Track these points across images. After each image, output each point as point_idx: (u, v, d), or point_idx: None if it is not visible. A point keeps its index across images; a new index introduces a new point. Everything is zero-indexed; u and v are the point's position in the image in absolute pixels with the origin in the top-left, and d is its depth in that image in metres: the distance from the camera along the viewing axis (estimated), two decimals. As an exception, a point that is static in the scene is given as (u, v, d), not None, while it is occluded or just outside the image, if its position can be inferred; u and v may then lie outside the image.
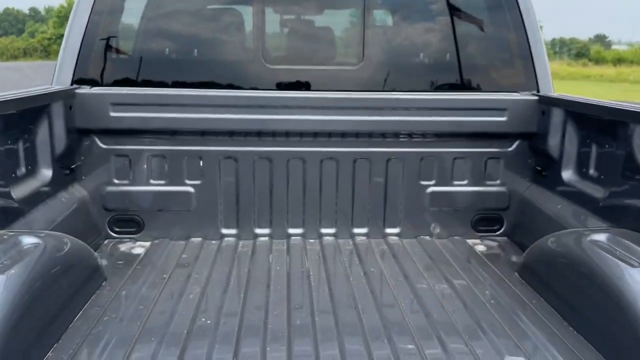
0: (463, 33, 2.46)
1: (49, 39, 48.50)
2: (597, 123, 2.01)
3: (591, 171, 2.03)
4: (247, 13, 2.43)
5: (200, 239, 2.40)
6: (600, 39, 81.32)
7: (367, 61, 2.38)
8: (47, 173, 2.08)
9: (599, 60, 37.19)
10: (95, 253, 2.01)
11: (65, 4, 50.82)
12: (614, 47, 58.75)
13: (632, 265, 1.49)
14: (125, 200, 2.36)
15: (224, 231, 2.40)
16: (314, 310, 1.80)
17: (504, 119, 2.31)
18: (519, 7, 2.37)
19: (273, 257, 2.25)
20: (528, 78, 2.42)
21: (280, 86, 2.37)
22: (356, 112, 2.24)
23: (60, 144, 2.13)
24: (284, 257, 2.25)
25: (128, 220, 2.39)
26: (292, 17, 2.61)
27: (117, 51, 2.43)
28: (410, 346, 1.58)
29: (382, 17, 2.63)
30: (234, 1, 2.54)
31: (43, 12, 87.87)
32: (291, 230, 2.42)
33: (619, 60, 35.55)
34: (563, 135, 2.17)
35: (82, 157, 2.30)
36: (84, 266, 1.85)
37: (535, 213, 2.28)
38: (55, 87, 2.23)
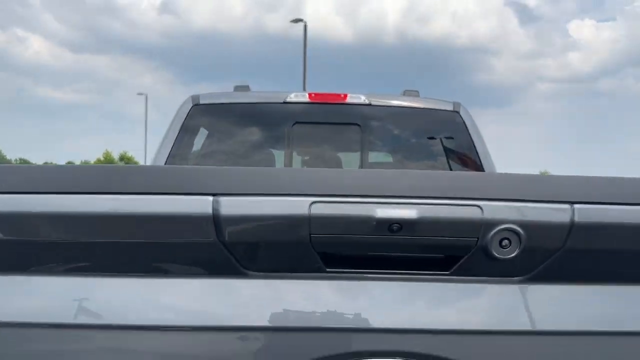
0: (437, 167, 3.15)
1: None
2: None
3: None
4: (280, 155, 3.22)
5: None
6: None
7: None
8: None
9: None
10: None
11: (102, 158, 54.98)
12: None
13: None
14: None
15: None
16: None
17: None
18: (471, 138, 3.02)
19: None
20: None
21: None
22: None
23: None
24: None
25: None
26: (311, 157, 3.38)
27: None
28: None
29: (375, 157, 3.39)
30: (269, 146, 3.33)
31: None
32: None
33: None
34: None
35: None
36: None
37: None
38: None
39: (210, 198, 0.91)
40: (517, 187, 0.97)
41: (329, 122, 2.91)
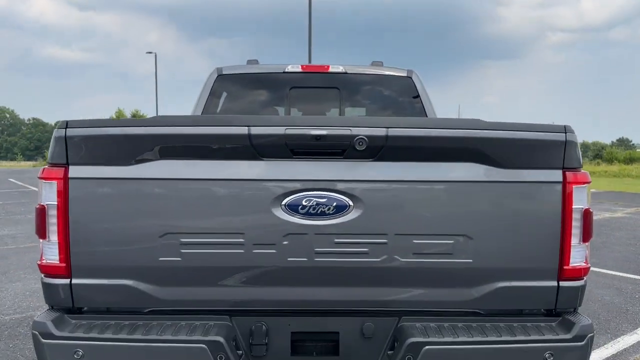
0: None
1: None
2: None
3: None
4: (281, 111, 4.22)
5: None
6: (623, 142, 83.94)
7: None
8: None
9: (611, 160, 38.71)
10: None
11: (114, 116, 55.67)
12: (638, 150, 61.14)
13: None
14: None
15: None
16: None
17: None
18: (420, 97, 3.98)
19: None
20: None
21: None
22: None
23: None
24: None
25: None
26: (304, 113, 4.36)
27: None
28: None
29: (349, 111, 4.36)
30: (274, 104, 4.33)
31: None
32: None
33: (630, 159, 36.95)
34: None
35: None
36: None
37: None
38: None
39: (246, 128, 1.84)
40: (368, 121, 1.94)
41: (316, 87, 3.92)
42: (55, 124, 1.88)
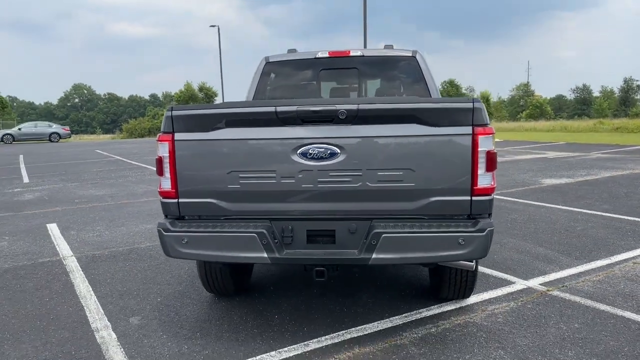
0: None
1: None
2: None
3: None
4: (314, 88, 5.37)
5: None
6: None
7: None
8: None
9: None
10: None
11: (183, 89, 58.25)
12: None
13: None
14: None
15: None
16: None
17: None
18: (423, 75, 5.02)
19: None
20: None
21: None
22: None
23: None
24: None
25: None
26: (332, 89, 5.50)
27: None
28: None
29: (369, 86, 5.47)
30: (308, 82, 5.48)
31: (161, 98, 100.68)
32: None
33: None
34: None
35: None
36: None
37: None
38: None
39: (273, 107, 3.11)
40: (346, 100, 3.14)
41: (340, 67, 5.08)
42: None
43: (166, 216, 3.27)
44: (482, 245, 2.96)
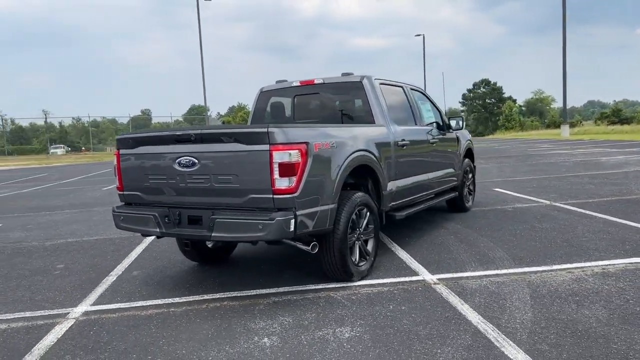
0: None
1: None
2: None
3: None
4: (290, 109, 6.48)
5: None
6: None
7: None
8: None
9: None
10: None
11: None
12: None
13: None
14: None
15: None
16: None
17: None
18: (367, 98, 5.79)
19: None
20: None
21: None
22: None
23: None
24: None
25: None
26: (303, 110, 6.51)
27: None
28: None
29: (327, 108, 6.33)
30: (287, 104, 6.62)
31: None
32: None
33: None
34: None
35: None
36: None
37: None
38: None
39: (159, 132, 4.68)
40: (194, 128, 4.44)
41: (307, 94, 6.27)
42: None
43: (121, 203, 5.08)
44: (275, 230, 4.01)
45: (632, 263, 5.06)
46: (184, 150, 4.43)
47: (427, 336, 3.59)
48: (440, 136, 7.18)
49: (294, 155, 4.04)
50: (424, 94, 7.31)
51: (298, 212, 4.11)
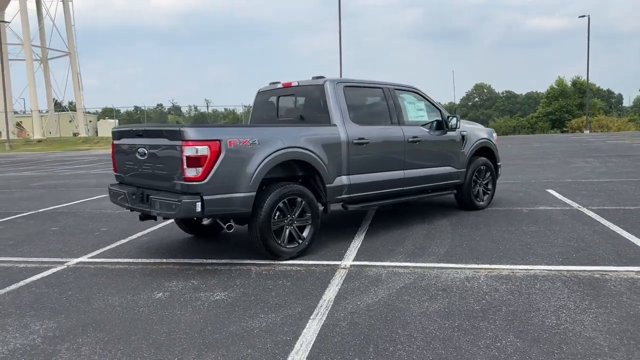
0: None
1: (536, 117, 55.75)
2: None
3: None
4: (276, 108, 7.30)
5: None
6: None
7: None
8: None
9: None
10: None
11: (555, 85, 56.21)
12: None
13: None
14: None
15: None
16: None
17: None
18: (326, 100, 6.28)
19: None
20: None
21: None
22: None
23: None
24: None
25: None
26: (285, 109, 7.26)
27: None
28: None
29: (301, 107, 6.94)
30: (275, 104, 7.32)
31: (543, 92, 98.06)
32: None
33: None
34: None
35: None
36: None
37: None
38: None
39: (129, 128, 6.00)
40: (147, 125, 5.68)
41: (287, 95, 7.05)
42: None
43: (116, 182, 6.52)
44: (183, 210, 5.02)
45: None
46: (141, 143, 5.66)
47: (275, 305, 4.34)
48: (435, 134, 7.39)
49: (200, 150, 5.00)
50: (419, 94, 7.55)
51: (205, 197, 5.06)
